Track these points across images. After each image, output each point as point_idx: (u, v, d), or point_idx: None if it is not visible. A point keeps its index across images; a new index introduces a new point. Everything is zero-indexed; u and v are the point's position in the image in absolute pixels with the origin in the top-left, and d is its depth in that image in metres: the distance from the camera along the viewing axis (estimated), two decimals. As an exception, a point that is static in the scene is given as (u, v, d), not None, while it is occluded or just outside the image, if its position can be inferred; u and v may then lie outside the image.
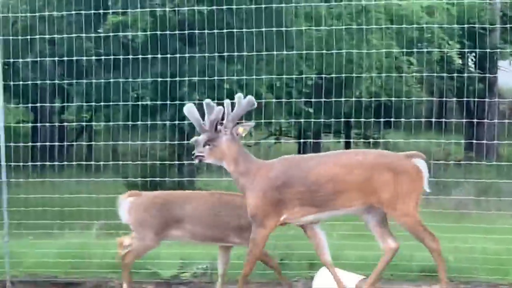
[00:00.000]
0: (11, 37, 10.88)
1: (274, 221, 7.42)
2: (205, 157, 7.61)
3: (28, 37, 10.60)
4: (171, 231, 8.14)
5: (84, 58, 10.91)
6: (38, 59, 12.76)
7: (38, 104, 11.66)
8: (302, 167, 7.42)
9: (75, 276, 9.34)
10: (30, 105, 10.91)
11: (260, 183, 7.42)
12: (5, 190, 9.24)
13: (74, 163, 9.97)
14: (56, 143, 12.99)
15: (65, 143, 14.05)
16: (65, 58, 10.48)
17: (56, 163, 10.00)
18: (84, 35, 10.68)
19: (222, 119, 7.59)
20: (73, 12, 11.95)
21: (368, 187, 7.24)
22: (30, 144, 11.82)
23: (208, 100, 7.72)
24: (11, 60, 11.61)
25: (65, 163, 10.11)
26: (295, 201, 7.37)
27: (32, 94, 10.49)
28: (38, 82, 10.87)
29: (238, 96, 7.65)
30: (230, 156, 7.59)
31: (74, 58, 9.98)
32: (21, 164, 10.02)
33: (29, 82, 10.29)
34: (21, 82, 10.09)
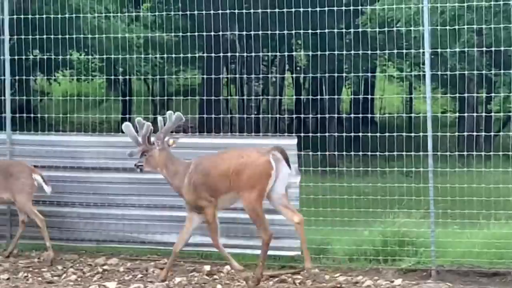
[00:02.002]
0: (438, 27, 11.00)
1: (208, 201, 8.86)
2: (143, 166, 9.14)
3: (456, 27, 10.64)
4: None
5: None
6: (466, 49, 12.77)
7: (465, 95, 11.67)
8: (204, 165, 8.91)
9: (500, 267, 9.20)
10: (456, 95, 10.96)
11: (185, 182, 8.89)
12: (431, 179, 9.34)
13: (500, 153, 9.80)
14: (482, 133, 12.92)
15: (491, 133, 13.92)
16: (492, 49, 10.32)
17: (482, 153, 9.90)
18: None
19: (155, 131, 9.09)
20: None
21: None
22: (456, 133, 11.90)
23: (138, 119, 9.19)
24: (439, 50, 11.73)
25: (491, 153, 9.97)
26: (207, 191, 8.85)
27: (458, 83, 10.50)
28: (465, 72, 10.86)
29: (169, 113, 9.09)
30: (162, 164, 9.04)
31: (502, 48, 9.79)
32: (447, 153, 10.09)
33: (456, 72, 10.30)
34: (448, 72, 10.12)
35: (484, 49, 11.62)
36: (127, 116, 11.84)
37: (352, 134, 10.13)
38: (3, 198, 10.06)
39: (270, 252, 8.96)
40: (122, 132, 9.39)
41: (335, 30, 11.67)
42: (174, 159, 9.12)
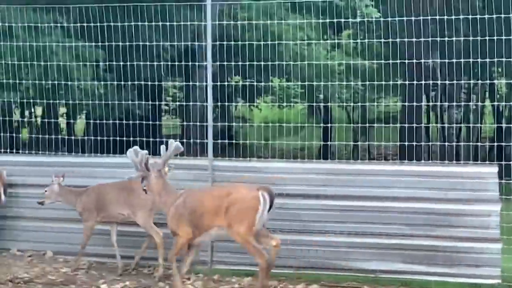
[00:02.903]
0: None
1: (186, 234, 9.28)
2: (145, 190, 9.65)
3: None
4: None
5: None
6: None
7: None
8: (193, 199, 9.39)
9: None
10: None
11: (172, 210, 9.40)
12: None
13: None
14: None
15: None
16: None
17: None
18: None
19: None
20: None
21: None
22: None
23: (135, 147, 9.69)
24: None
25: None
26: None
27: None
28: None
29: (170, 141, 9.55)
30: (155, 189, 9.55)
31: None
32: None
33: None
34: None
35: None
36: (328, 142, 11.77)
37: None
38: (123, 215, 10.41)
39: (470, 280, 8.68)
40: (321, 158, 9.34)
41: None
42: (168, 187, 9.58)
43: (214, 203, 9.17)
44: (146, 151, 9.70)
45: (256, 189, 9.10)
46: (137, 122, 11.28)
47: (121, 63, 11.06)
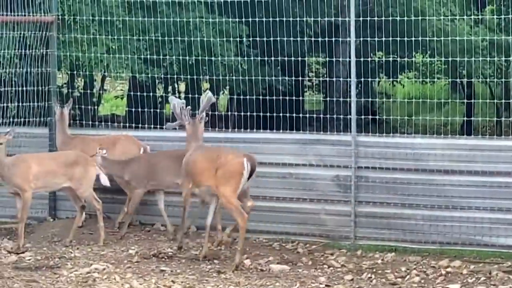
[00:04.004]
0: None
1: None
2: None
3: None
4: None
5: None
6: None
7: None
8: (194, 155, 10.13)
9: None
10: None
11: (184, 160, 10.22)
12: None
13: None
14: None
15: None
16: None
17: None
18: None
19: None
20: None
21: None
22: None
23: (171, 97, 10.67)
24: None
25: None
26: None
27: None
28: None
29: (204, 93, 10.44)
30: (188, 136, 10.32)
31: None
32: None
33: None
34: None
35: None
36: (472, 118, 11.62)
37: None
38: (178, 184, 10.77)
39: None
40: (464, 134, 9.28)
41: None
42: (198, 137, 10.23)
43: (205, 165, 9.86)
44: (183, 101, 10.44)
45: (242, 155, 9.72)
46: (280, 97, 11.41)
47: (264, 39, 11.17)
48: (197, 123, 10.27)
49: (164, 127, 10.90)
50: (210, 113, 10.73)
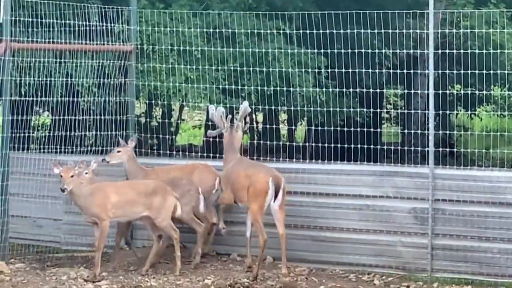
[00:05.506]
0: None
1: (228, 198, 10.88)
2: None
3: None
4: None
5: None
6: None
7: None
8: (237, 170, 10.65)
9: None
10: None
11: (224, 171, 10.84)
12: None
13: None
14: None
15: None
16: None
17: None
18: None
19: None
20: None
21: None
22: None
23: (212, 106, 11.24)
24: None
25: None
26: None
27: None
28: None
29: (242, 104, 10.94)
30: (225, 143, 10.88)
31: None
32: None
33: None
34: None
35: None
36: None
37: None
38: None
39: None
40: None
41: None
42: (234, 146, 10.74)
43: (242, 181, 10.33)
44: (223, 109, 10.98)
45: (269, 175, 10.18)
46: (358, 129, 11.44)
47: (343, 70, 11.24)
48: (234, 131, 10.79)
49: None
50: (287, 144, 10.83)
